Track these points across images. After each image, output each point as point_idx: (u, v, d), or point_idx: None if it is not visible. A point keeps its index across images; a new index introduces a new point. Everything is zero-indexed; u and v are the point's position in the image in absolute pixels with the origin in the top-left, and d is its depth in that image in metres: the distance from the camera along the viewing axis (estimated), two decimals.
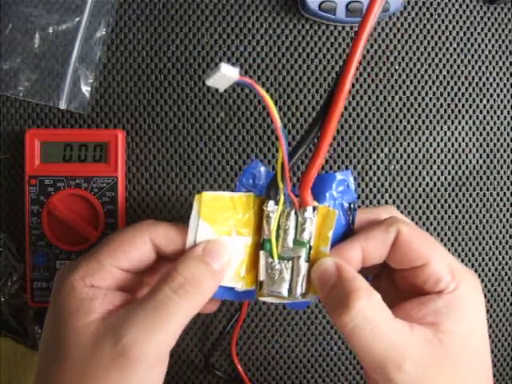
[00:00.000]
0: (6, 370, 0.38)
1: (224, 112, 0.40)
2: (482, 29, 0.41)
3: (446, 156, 0.41)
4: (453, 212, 0.41)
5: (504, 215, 0.42)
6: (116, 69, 0.40)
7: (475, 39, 0.41)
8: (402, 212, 0.41)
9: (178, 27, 0.40)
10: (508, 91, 0.41)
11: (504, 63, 0.41)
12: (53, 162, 0.38)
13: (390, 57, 0.41)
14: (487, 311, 0.42)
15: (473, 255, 0.42)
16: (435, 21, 0.41)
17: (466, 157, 0.41)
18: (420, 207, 0.41)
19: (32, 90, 0.39)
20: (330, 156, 0.40)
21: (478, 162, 0.41)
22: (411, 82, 0.41)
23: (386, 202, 0.41)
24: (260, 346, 0.41)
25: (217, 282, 0.27)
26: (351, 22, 0.39)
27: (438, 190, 0.41)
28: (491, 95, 0.41)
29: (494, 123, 0.41)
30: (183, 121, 0.40)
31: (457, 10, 0.41)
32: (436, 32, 0.41)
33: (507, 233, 0.42)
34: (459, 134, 0.41)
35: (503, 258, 0.42)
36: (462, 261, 0.41)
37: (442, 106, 0.41)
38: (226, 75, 0.22)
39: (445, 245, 0.41)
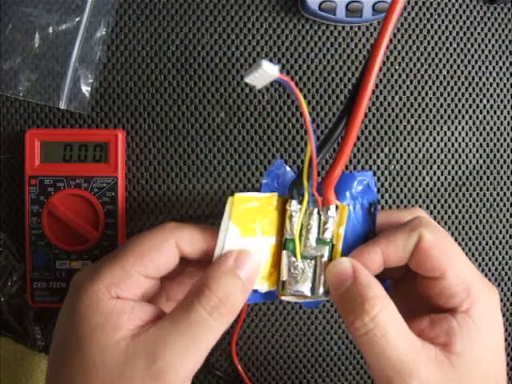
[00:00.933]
0: (5, 370, 0.38)
1: (224, 112, 0.40)
2: (482, 29, 0.41)
3: (446, 156, 0.41)
4: (453, 212, 0.41)
5: (504, 215, 0.42)
6: (116, 69, 0.40)
7: (475, 39, 0.41)
8: None
9: (178, 27, 0.40)
10: (508, 91, 0.41)
11: (504, 63, 0.41)
12: (53, 162, 0.38)
13: (390, 57, 0.41)
14: None
15: (473, 255, 0.42)
16: (435, 21, 0.41)
17: (466, 157, 0.41)
18: (420, 207, 0.41)
19: (32, 89, 0.39)
20: (329, 156, 0.40)
21: (478, 162, 0.41)
22: (411, 82, 0.41)
23: (386, 202, 0.41)
24: (260, 346, 0.41)
25: (247, 295, 0.26)
26: (351, 22, 0.39)
27: (438, 190, 0.41)
28: (491, 95, 0.41)
29: (494, 123, 0.41)
30: (183, 121, 0.40)
31: (457, 10, 0.41)
32: (436, 32, 0.41)
33: (507, 233, 0.42)
34: (459, 134, 0.41)
35: (503, 257, 0.42)
36: None
37: (442, 106, 0.41)
38: (267, 72, 0.21)
39: None
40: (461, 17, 0.41)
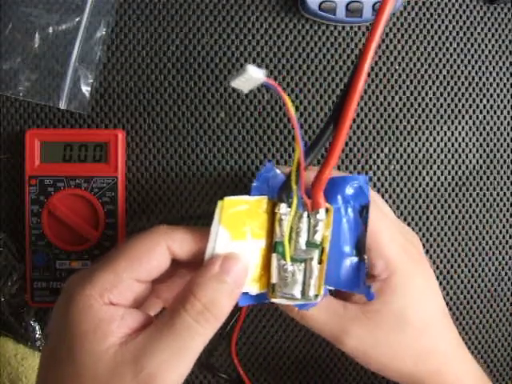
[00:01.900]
0: (6, 370, 0.38)
1: (224, 112, 0.40)
2: (482, 29, 0.41)
3: (446, 156, 0.41)
4: (453, 212, 0.41)
5: (504, 215, 0.42)
6: (116, 69, 0.40)
7: (475, 39, 0.41)
8: (401, 212, 0.41)
9: (178, 27, 0.40)
10: (508, 91, 0.41)
11: (504, 63, 0.41)
12: (53, 162, 0.38)
13: (390, 57, 0.41)
14: (487, 311, 0.42)
15: (473, 255, 0.42)
16: (435, 21, 0.41)
17: (466, 157, 0.41)
18: (420, 207, 0.41)
19: (32, 90, 0.39)
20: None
21: (478, 162, 0.41)
22: (411, 82, 0.41)
23: (386, 202, 0.41)
24: (260, 346, 0.41)
25: (235, 300, 0.26)
26: (351, 22, 0.39)
27: (438, 189, 0.41)
28: (491, 95, 0.41)
29: (494, 123, 0.41)
30: (183, 121, 0.40)
31: (457, 10, 0.41)
32: (436, 32, 0.41)
33: (507, 233, 0.42)
34: (459, 134, 0.41)
35: (503, 258, 0.42)
36: (462, 261, 0.41)
37: (442, 106, 0.41)
38: (253, 77, 0.21)
39: (445, 245, 0.41)
40: (461, 17, 0.41)
